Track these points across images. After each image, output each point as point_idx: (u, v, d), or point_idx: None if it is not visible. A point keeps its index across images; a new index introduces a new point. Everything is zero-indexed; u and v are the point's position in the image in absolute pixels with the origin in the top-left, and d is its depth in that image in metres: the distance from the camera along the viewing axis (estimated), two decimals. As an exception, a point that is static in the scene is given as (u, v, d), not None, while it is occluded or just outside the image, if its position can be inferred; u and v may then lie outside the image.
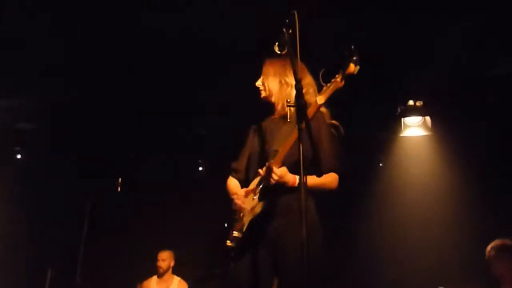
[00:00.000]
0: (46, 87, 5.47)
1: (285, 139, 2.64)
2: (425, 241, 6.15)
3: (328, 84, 2.57)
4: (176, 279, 6.10)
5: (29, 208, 6.22)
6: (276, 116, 2.95)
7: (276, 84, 2.91)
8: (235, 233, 2.73)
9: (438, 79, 5.51)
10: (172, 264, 6.01)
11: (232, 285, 2.79)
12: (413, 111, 6.06)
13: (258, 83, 2.97)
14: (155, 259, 6.04)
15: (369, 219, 6.45)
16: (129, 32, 4.76)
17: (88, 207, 4.80)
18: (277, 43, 2.65)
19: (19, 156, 6.63)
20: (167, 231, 6.38)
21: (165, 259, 5.97)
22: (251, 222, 2.70)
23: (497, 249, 3.89)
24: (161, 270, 5.95)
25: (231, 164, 3.06)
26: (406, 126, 6.20)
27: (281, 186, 2.64)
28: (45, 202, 6.23)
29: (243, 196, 2.80)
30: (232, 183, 3.00)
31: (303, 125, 2.20)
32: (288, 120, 2.85)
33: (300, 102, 2.17)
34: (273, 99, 2.93)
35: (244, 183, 2.93)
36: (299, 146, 2.14)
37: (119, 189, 5.45)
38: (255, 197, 2.73)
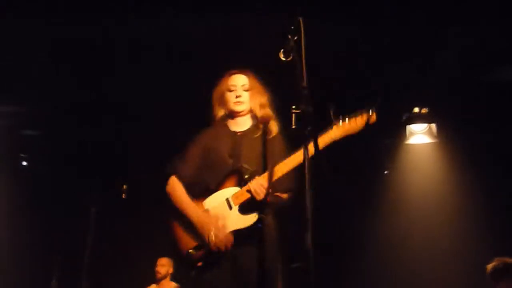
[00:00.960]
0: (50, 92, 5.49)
1: (274, 159, 2.73)
2: (430, 249, 6.11)
3: (347, 123, 2.72)
4: (174, 285, 6.06)
5: (33, 215, 6.22)
6: (235, 130, 2.97)
7: (259, 102, 2.97)
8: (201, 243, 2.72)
9: (443, 86, 5.51)
10: (170, 271, 5.95)
11: None
12: (418, 118, 6.04)
13: (241, 95, 2.95)
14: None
15: (374, 227, 6.41)
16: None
17: (93, 214, 4.78)
18: (282, 50, 2.73)
19: (24, 163, 6.63)
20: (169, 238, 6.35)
21: (164, 264, 5.93)
22: (237, 232, 2.70)
23: (498, 269, 3.85)
24: (159, 276, 5.91)
25: (176, 162, 2.98)
26: (411, 133, 6.18)
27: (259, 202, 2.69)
28: (49, 209, 6.23)
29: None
30: (180, 189, 2.91)
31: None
32: (258, 135, 2.91)
33: (308, 109, 2.17)
34: (245, 114, 2.99)
35: (186, 189, 2.89)
36: (305, 152, 2.14)
37: (124, 196, 5.46)
38: (234, 207, 2.74)
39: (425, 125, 6.11)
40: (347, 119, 2.72)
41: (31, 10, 4.36)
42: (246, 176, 2.73)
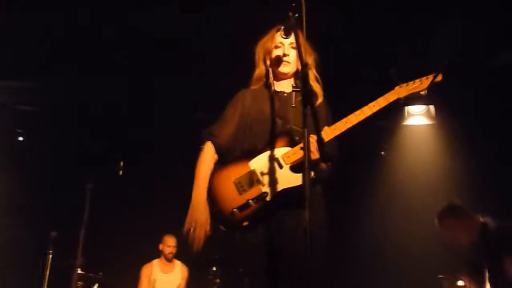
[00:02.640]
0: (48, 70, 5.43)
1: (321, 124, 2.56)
2: (426, 230, 6.14)
3: (411, 83, 2.68)
4: (178, 263, 6.16)
5: (28, 191, 6.21)
6: (280, 91, 2.83)
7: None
8: (251, 202, 2.59)
9: (441, 68, 5.47)
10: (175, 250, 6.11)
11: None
12: (417, 99, 6.02)
13: (288, 54, 2.78)
14: (156, 243, 6.11)
15: (370, 208, 6.45)
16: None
17: (89, 190, 4.78)
18: (282, 28, 2.68)
19: (20, 138, 6.60)
20: (167, 214, 6.38)
21: (175, 245, 6.07)
22: (283, 191, 2.57)
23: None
24: (170, 256, 6.07)
25: (212, 127, 2.84)
26: (409, 114, 6.16)
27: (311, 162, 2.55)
28: (45, 184, 6.22)
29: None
30: (205, 160, 2.77)
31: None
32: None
33: (307, 87, 2.13)
34: (291, 76, 2.83)
35: (225, 153, 2.79)
36: (304, 131, 2.11)
37: (120, 173, 5.46)
38: (285, 166, 2.60)
39: (423, 106, 6.10)
40: (411, 82, 2.73)
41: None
42: (297, 138, 2.65)
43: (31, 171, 6.22)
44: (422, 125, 6.27)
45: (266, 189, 2.60)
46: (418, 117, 6.14)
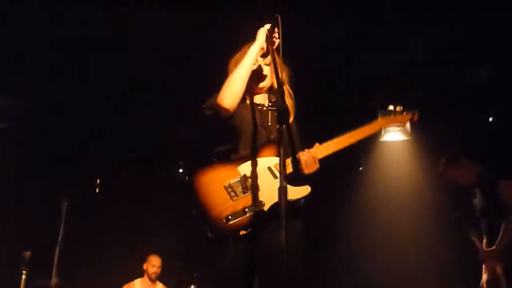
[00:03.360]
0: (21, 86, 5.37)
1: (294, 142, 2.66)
2: (403, 243, 6.21)
3: (393, 117, 2.93)
4: (159, 284, 6.06)
5: (4, 208, 6.07)
6: (262, 104, 2.82)
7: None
8: (247, 210, 2.49)
9: (418, 84, 5.60)
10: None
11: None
12: (391, 113, 6.08)
13: (263, 70, 2.79)
14: (135, 261, 6.00)
15: (348, 222, 6.48)
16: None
17: (64, 208, 4.70)
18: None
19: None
20: (143, 234, 6.32)
21: (159, 265, 5.97)
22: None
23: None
24: (154, 276, 5.96)
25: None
26: (386, 131, 6.22)
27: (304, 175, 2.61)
28: (20, 202, 6.09)
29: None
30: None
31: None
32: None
33: (283, 106, 2.15)
34: (265, 91, 2.85)
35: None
36: (279, 149, 2.13)
37: (97, 191, 5.38)
38: (278, 177, 2.51)
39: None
40: (392, 114, 2.95)
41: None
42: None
43: (4, 188, 6.10)
44: (398, 141, 6.36)
45: (262, 197, 2.52)
46: (394, 133, 6.23)
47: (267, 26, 2.66)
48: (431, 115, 5.85)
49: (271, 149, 2.64)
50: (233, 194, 2.54)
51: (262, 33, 2.66)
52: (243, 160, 2.62)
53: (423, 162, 6.31)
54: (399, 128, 6.08)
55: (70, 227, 4.73)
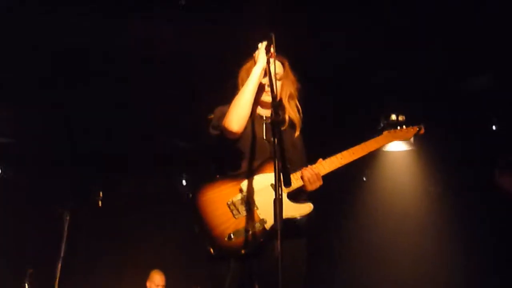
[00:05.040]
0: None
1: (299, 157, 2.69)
2: (407, 253, 6.18)
3: (399, 131, 2.98)
4: None
5: (6, 223, 6.07)
6: (262, 115, 2.79)
7: (288, 92, 2.82)
8: (249, 228, 2.47)
9: (420, 94, 5.58)
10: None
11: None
12: (396, 125, 6.06)
13: (278, 72, 2.75)
14: (138, 276, 5.87)
15: (351, 232, 6.45)
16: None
17: (66, 222, 4.69)
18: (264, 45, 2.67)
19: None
20: (146, 247, 6.29)
21: (163, 284, 5.69)
22: (287, 220, 2.44)
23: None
24: None
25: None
26: (389, 141, 6.21)
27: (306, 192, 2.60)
28: (22, 217, 6.09)
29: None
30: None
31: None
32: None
33: (277, 119, 2.15)
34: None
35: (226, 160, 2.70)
36: (274, 162, 2.11)
37: (100, 204, 5.36)
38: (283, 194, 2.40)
39: (402, 132, 6.15)
40: (398, 126, 3.01)
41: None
42: (288, 166, 2.50)
43: (5, 203, 6.10)
44: (402, 151, 6.33)
45: (264, 215, 2.51)
46: (397, 143, 6.19)
47: (264, 44, 2.65)
48: (434, 125, 5.85)
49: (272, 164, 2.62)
50: (235, 212, 2.53)
51: (262, 53, 2.64)
52: (246, 176, 2.60)
53: (426, 172, 6.29)
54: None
55: (72, 240, 4.72)
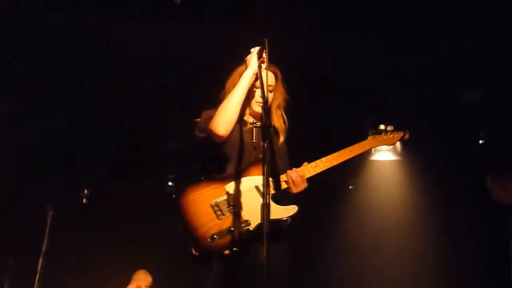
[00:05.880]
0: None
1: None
2: (393, 263, 6.20)
3: (383, 135, 2.96)
4: None
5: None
6: (251, 121, 2.85)
7: (277, 103, 2.91)
8: (233, 229, 2.48)
9: (408, 105, 5.64)
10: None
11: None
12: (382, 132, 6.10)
13: (270, 84, 2.80)
14: (123, 274, 5.78)
15: (337, 241, 6.46)
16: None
17: (50, 217, 4.64)
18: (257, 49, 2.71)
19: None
20: (130, 246, 6.23)
21: (150, 285, 5.61)
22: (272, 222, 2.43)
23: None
24: None
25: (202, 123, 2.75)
26: (376, 150, 6.25)
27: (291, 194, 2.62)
28: (6, 210, 6.01)
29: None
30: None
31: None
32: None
33: (267, 123, 2.16)
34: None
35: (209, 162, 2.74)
36: (263, 165, 2.12)
37: (85, 201, 5.31)
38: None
39: (389, 143, 6.19)
40: (383, 133, 2.99)
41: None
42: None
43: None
44: (389, 160, 6.37)
45: (248, 217, 2.53)
46: (385, 153, 6.24)
47: (257, 49, 2.68)
48: (421, 134, 5.91)
49: (259, 168, 2.60)
50: (219, 213, 2.55)
51: (253, 58, 2.68)
52: (231, 178, 2.63)
53: (413, 182, 6.33)
54: (390, 147, 6.17)
55: (56, 237, 4.68)
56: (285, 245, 2.71)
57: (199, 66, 4.86)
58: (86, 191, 5.32)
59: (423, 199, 6.24)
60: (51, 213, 4.69)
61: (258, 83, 2.71)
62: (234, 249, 2.49)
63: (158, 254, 6.22)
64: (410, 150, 6.13)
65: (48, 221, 4.65)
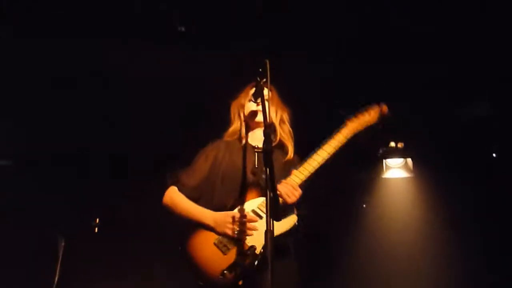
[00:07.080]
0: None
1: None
2: (406, 281, 6.09)
3: (360, 115, 2.83)
4: None
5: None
6: (253, 145, 2.85)
7: (279, 117, 2.92)
8: (240, 259, 2.50)
9: (419, 122, 5.58)
10: None
11: None
12: (395, 152, 6.07)
13: (258, 107, 2.80)
14: None
15: (351, 259, 6.37)
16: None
17: (61, 248, 4.64)
18: (251, 94, 2.77)
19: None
20: (148, 277, 6.18)
21: None
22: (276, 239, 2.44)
23: None
24: None
25: (179, 175, 2.82)
26: (388, 167, 6.20)
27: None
28: (16, 240, 6.00)
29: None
30: (182, 197, 2.74)
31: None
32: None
33: (268, 147, 2.14)
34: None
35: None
36: (266, 190, 2.10)
37: (96, 230, 5.31)
38: (264, 216, 2.54)
39: (401, 159, 6.14)
40: (359, 114, 2.84)
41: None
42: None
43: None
44: (401, 178, 6.30)
45: (252, 242, 2.52)
46: (396, 170, 6.18)
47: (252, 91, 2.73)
48: (434, 151, 5.85)
49: (255, 191, 2.65)
50: (224, 248, 2.55)
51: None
52: (227, 209, 2.63)
53: (426, 199, 6.24)
54: (401, 164, 6.11)
55: (67, 266, 4.66)
56: (296, 263, 2.69)
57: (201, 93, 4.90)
58: (97, 220, 5.32)
59: (436, 217, 6.14)
60: (63, 244, 4.68)
61: (259, 107, 2.73)
62: (247, 277, 2.48)
63: (170, 280, 6.16)
64: (422, 167, 6.08)
65: (60, 253, 4.64)
